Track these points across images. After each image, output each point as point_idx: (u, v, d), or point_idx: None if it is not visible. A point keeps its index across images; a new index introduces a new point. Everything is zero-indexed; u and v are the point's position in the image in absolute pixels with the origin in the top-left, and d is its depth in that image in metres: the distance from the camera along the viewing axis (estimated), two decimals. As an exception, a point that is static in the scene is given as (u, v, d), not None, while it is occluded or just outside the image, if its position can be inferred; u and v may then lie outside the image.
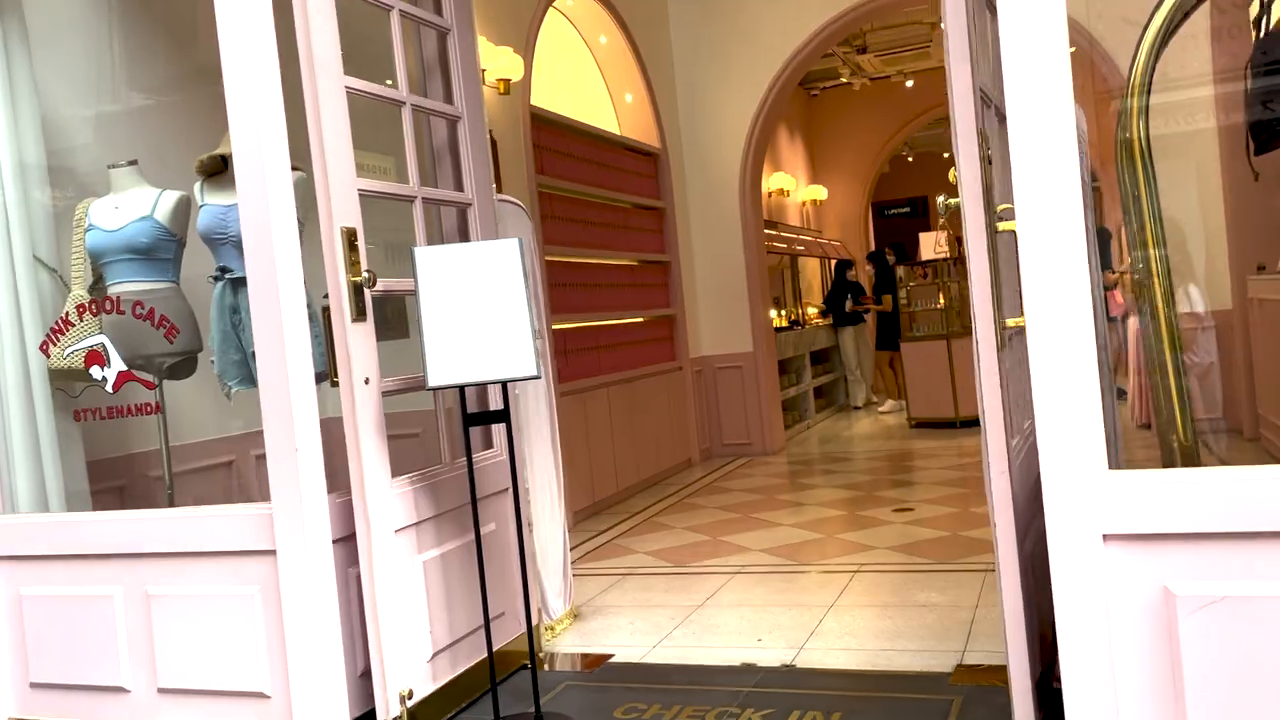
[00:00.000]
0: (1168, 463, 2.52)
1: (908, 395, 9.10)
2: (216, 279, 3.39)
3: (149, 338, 3.34)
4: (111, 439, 3.74)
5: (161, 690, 3.12)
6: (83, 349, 3.38)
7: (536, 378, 2.92)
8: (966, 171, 2.23)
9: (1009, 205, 2.43)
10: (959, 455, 7.40)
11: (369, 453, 2.97)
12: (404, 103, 3.30)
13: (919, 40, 11.10)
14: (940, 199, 2.29)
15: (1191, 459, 2.19)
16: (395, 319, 4.44)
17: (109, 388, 3.40)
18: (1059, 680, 2.24)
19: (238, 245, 3.27)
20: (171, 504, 3.53)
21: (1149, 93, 2.15)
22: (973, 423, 8.66)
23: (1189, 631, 2.01)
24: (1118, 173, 2.17)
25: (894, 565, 4.49)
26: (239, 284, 3.33)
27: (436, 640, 3.19)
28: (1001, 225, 2.23)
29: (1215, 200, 6.88)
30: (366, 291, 2.99)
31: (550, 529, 4.05)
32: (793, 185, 11.48)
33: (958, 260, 9.28)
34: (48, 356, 3.44)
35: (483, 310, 2.98)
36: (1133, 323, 8.36)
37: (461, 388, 3.00)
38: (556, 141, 6.56)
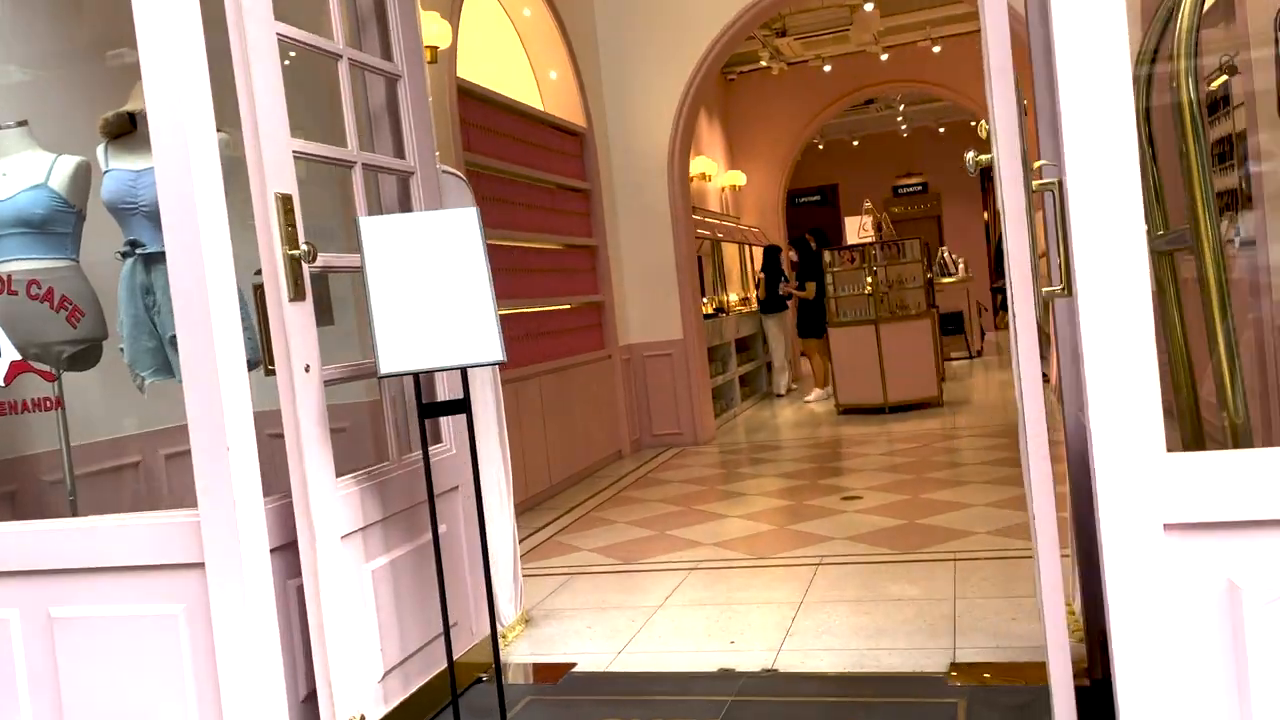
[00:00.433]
0: (1193, 444, 2.36)
1: (835, 382, 9.01)
2: (125, 255, 2.97)
3: (48, 323, 2.91)
4: (2, 439, 3.29)
5: (68, 727, 2.71)
6: (-35, 336, 2.93)
7: (503, 363, 2.61)
8: (1001, 116, 2.01)
9: (1047, 162, 2.23)
10: (894, 441, 7.32)
11: (312, 450, 2.62)
12: (340, 56, 2.94)
13: (839, 23, 11.03)
14: (969, 155, 2.07)
15: (1245, 438, 2.03)
16: (317, 304, 4.06)
17: (-2, 381, 2.96)
18: (1084, 678, 2.07)
19: (151, 215, 2.88)
20: (74, 512, 3.10)
21: (1196, 54, 1.97)
22: (902, 408, 8.62)
23: (1257, 627, 1.83)
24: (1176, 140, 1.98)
25: (856, 557, 4.31)
26: (153, 260, 2.93)
27: (388, 658, 2.86)
28: (1037, 183, 2.03)
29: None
30: (305, 267, 2.64)
31: (499, 528, 3.74)
32: (715, 170, 11.31)
33: (885, 244, 9.24)
34: (-78, 345, 2.98)
35: (439, 288, 2.66)
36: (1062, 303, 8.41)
37: (417, 375, 2.67)
38: (483, 116, 6.21)
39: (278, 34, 2.65)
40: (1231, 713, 1.86)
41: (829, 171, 18.08)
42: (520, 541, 5.16)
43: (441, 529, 3.19)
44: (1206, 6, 2.04)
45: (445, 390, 3.28)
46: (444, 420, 3.30)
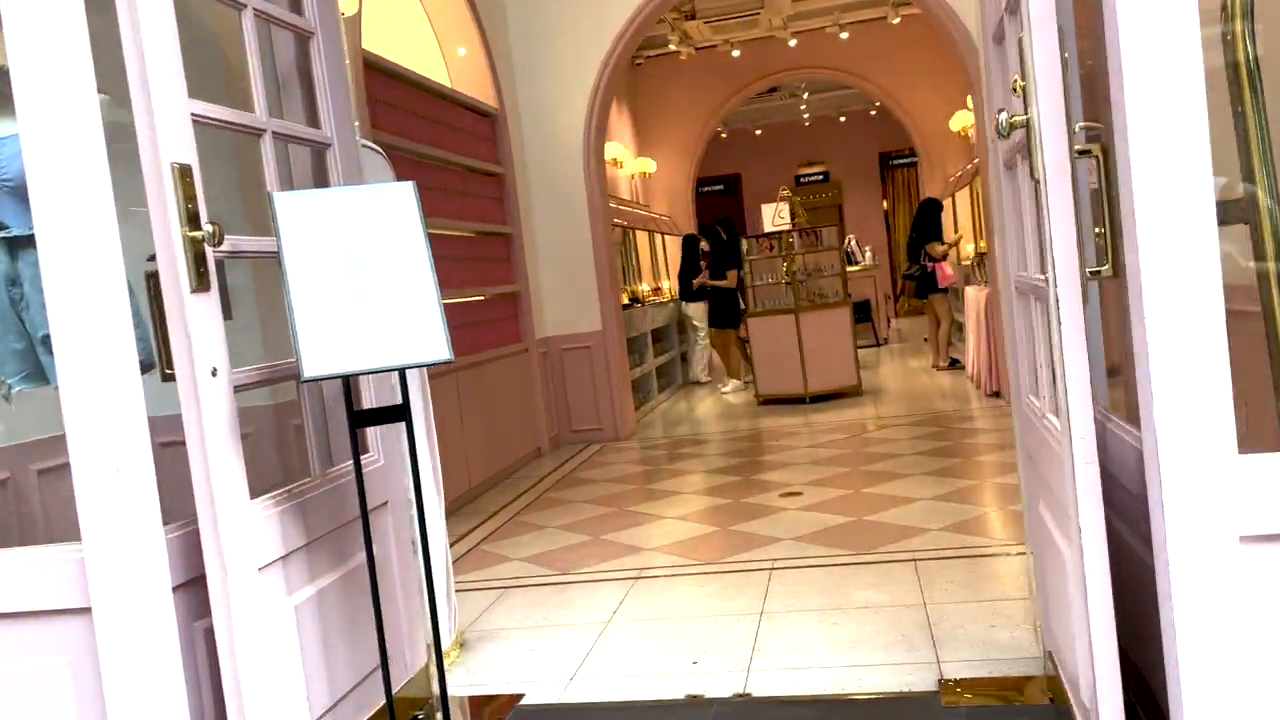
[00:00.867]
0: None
1: (755, 372, 8.81)
2: (-16, 239, 2.49)
3: (-115, 320, 2.41)
4: None
5: (-78, 809, 2.25)
6: None
7: (450, 362, 2.25)
8: (1042, 68, 1.74)
9: (1092, 124, 1.99)
10: (820, 432, 7.14)
11: (221, 467, 2.21)
12: (245, 5, 2.52)
13: (749, 6, 10.83)
14: (1001, 114, 1.80)
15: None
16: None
17: None
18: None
19: (16, 192, 2.41)
20: (-74, 546, 2.61)
21: (1253, 15, 1.74)
22: (823, 398, 8.47)
23: (1347, 654, 1.62)
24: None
25: (811, 559, 4.07)
26: (19, 246, 2.46)
27: (315, 704, 2.47)
28: (1077, 148, 1.78)
29: None
30: (210, 252, 2.22)
31: (433, 545, 3.36)
32: (626, 156, 10.99)
33: (804, 231, 9.07)
34: None
35: (372, 276, 2.28)
36: (976, 292, 8.38)
37: (347, 378, 2.29)
38: (390, 92, 5.76)
39: (171, -25, 2.22)
40: (1316, 750, 1.65)
41: (732, 161, 17.96)
42: (444, 553, 4.78)
43: (364, 554, 2.81)
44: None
45: (372, 393, 2.89)
46: (371, 427, 2.91)
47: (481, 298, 6.78)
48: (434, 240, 6.81)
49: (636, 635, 3.43)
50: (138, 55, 2.13)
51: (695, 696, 2.87)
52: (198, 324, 2.18)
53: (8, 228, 2.46)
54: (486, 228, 6.95)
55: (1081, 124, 1.93)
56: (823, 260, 9.00)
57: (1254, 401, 1.93)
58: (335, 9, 2.94)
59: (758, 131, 18.10)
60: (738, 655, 3.13)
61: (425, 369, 3.38)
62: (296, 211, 2.29)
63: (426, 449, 3.35)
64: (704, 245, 10.19)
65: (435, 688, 2.77)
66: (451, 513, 5.57)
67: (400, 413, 2.36)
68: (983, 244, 10.15)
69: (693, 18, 11.04)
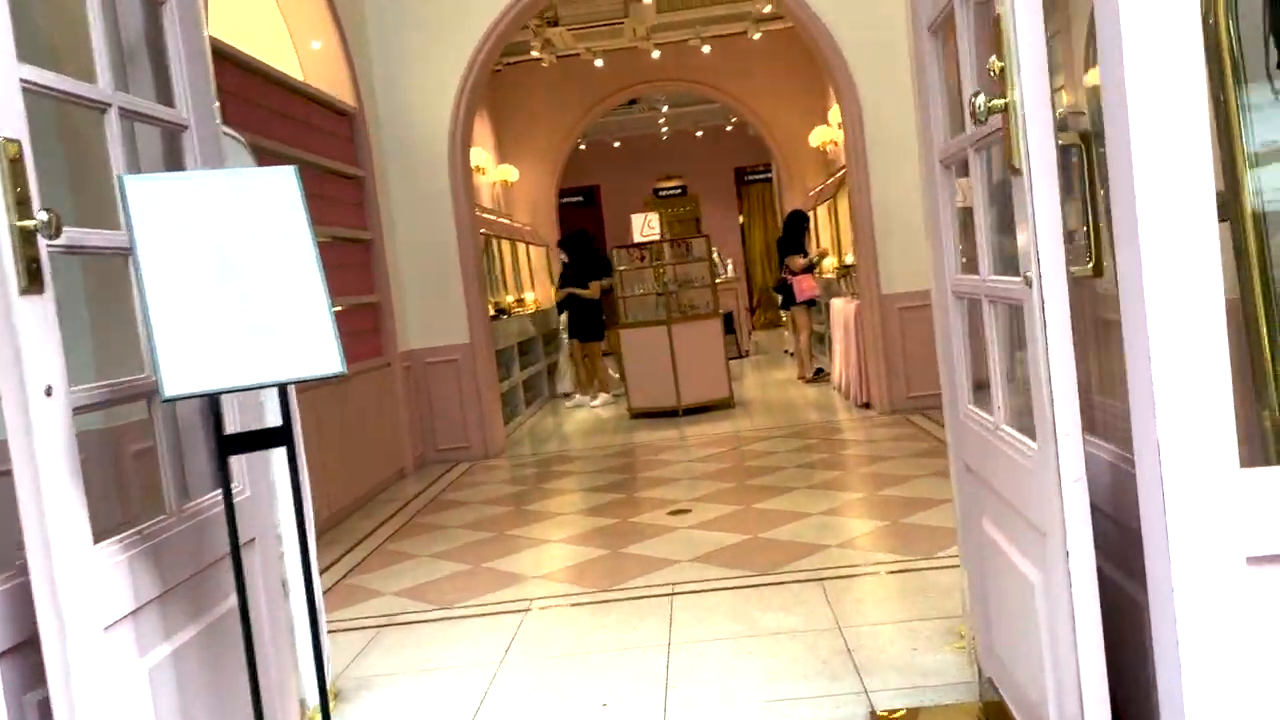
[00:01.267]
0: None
1: (627, 385, 8.61)
2: None
3: None
4: None
5: None
6: None
7: (344, 376, 1.93)
8: (1026, 45, 1.58)
9: (1076, 108, 1.84)
10: (698, 446, 6.98)
11: (58, 505, 1.81)
12: (86, -41, 2.13)
13: (613, 15, 10.68)
14: (978, 98, 1.63)
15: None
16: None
17: None
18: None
19: None
20: None
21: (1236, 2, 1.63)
22: (696, 410, 8.34)
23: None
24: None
25: (712, 582, 3.86)
26: None
27: (174, 785, 2.08)
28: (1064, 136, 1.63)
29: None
30: (43, 245, 1.83)
31: (302, 582, 2.97)
32: (489, 163, 10.64)
33: (674, 242, 8.94)
34: None
35: (248, 276, 1.93)
36: (844, 304, 8.42)
37: (216, 396, 1.93)
38: (238, 83, 5.29)
39: (-8, -91, 1.83)
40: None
41: (591, 173, 17.79)
42: (308, 587, 4.36)
43: (230, 601, 2.43)
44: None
45: (236, 414, 2.51)
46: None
47: (339, 308, 6.32)
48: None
49: (535, 676, 3.14)
50: (-51, 2, 1.73)
51: (611, 743, 2.61)
52: (29, 333, 1.79)
53: None
54: (344, 233, 6.50)
55: (1065, 108, 1.79)
56: (693, 271, 8.90)
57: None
58: (192, -28, 2.56)
59: (616, 144, 18.01)
60: (651, 694, 2.88)
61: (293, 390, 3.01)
62: (152, 199, 1.92)
63: (306, 478, 2.98)
64: (563, 257, 9.91)
65: (316, 752, 2.42)
66: (313, 542, 5.13)
67: (280, 436, 2.01)
68: (849, 256, 10.29)
69: (556, 24, 10.81)
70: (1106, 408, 2.06)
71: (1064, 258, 1.62)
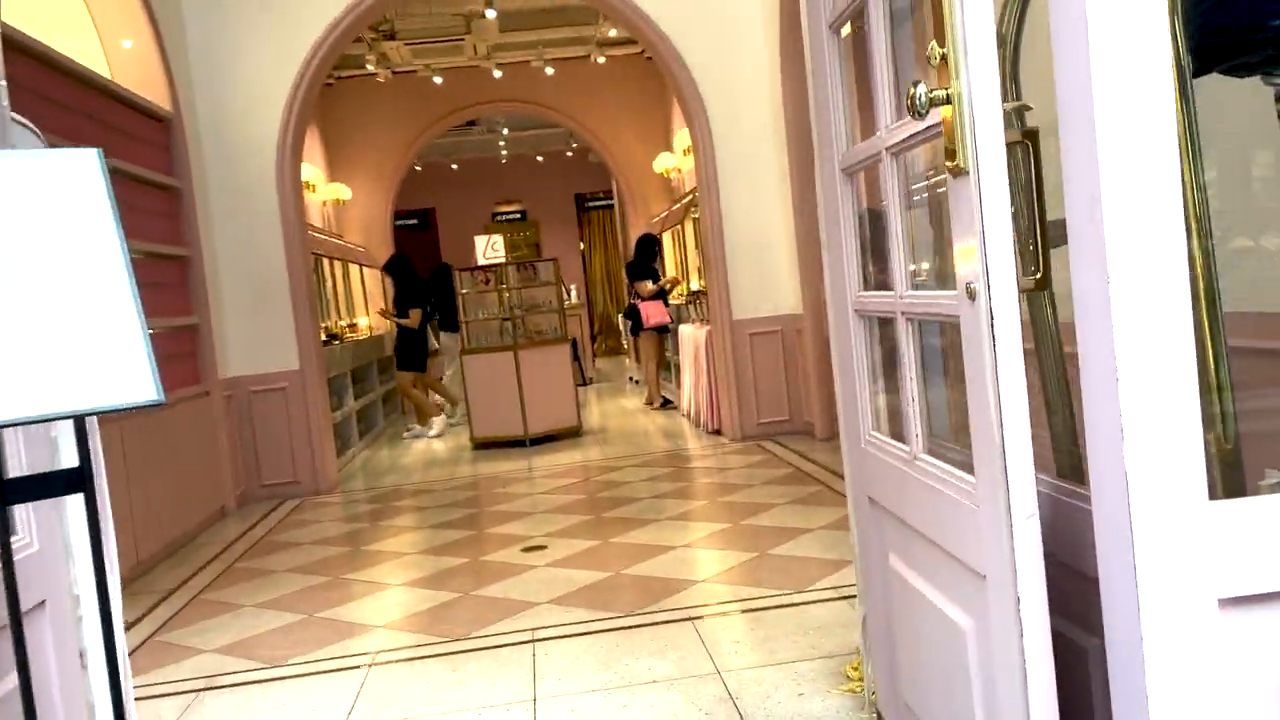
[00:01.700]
0: (1075, 473, 1.93)
1: (470, 413, 8.22)
2: None
3: None
4: None
5: None
6: None
7: (162, 404, 1.56)
8: (974, 28, 1.40)
9: (1022, 103, 1.67)
10: (547, 477, 6.68)
11: None
12: None
13: (454, 31, 10.32)
14: (919, 89, 1.45)
15: (1235, 468, 1.61)
16: None
17: None
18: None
19: None
20: None
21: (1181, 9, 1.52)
22: (543, 439, 8.04)
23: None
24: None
25: (576, 626, 3.57)
26: None
27: None
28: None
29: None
30: None
31: (100, 644, 2.51)
32: (319, 180, 10.06)
33: (520, 265, 8.63)
34: None
35: (35, 284, 1.54)
36: (693, 330, 8.32)
37: (-13, 431, 1.53)
38: (33, 76, 4.69)
39: None
40: None
41: (427, 194, 17.26)
42: (111, 649, 3.81)
43: (12, 678, 1.98)
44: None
45: (21, 451, 2.06)
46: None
47: (151, 331, 5.71)
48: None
49: (384, 743, 2.77)
50: None
51: (477, 824, 2.28)
52: None
53: None
54: (158, 249, 5.90)
55: (1013, 104, 1.63)
56: (539, 295, 8.61)
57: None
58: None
59: (454, 166, 17.56)
60: (518, 759, 2.57)
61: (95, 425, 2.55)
62: (-98, 181, 1.51)
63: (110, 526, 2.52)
64: (386, 281, 9.39)
65: None
66: (118, 594, 4.54)
67: (75, 479, 1.62)
68: (695, 282, 10.24)
69: (393, 38, 10.36)
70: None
71: (1014, 268, 1.44)
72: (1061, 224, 1.48)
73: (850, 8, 2.03)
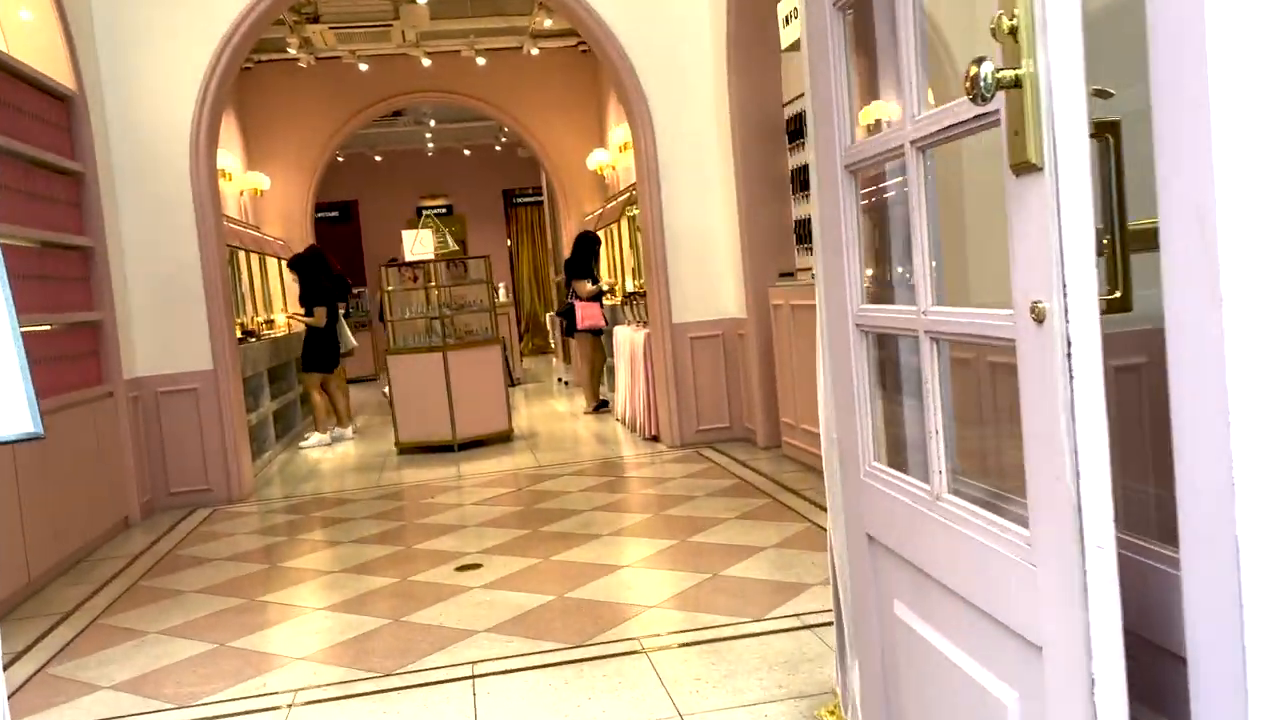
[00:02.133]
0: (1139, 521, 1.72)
1: (395, 417, 7.84)
2: None
3: None
4: None
5: None
6: None
7: (40, 438, 1.24)
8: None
9: (1101, 88, 1.43)
10: (479, 486, 6.35)
11: None
12: None
13: (381, 16, 9.90)
14: (984, 66, 1.20)
15: None
16: None
17: None
18: None
19: None
20: None
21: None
22: (472, 444, 7.71)
23: None
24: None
25: (519, 659, 3.27)
26: None
27: None
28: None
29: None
30: None
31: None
32: (236, 169, 9.53)
33: (452, 262, 8.27)
34: None
35: None
36: (631, 333, 8.05)
37: None
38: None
39: None
40: None
41: (349, 186, 16.70)
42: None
43: None
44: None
45: None
46: None
47: (48, 327, 5.25)
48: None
49: (308, 804, 2.44)
50: None
51: None
52: None
53: None
54: (57, 238, 5.42)
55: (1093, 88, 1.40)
56: (469, 294, 8.26)
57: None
58: None
59: (378, 158, 17.02)
60: (463, 824, 2.27)
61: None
62: None
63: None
64: (292, 276, 8.90)
65: None
66: (1, 618, 4.13)
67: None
68: (630, 282, 9.97)
69: (317, 20, 9.89)
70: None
71: (1096, 284, 1.21)
72: (1139, 232, 1.26)
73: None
